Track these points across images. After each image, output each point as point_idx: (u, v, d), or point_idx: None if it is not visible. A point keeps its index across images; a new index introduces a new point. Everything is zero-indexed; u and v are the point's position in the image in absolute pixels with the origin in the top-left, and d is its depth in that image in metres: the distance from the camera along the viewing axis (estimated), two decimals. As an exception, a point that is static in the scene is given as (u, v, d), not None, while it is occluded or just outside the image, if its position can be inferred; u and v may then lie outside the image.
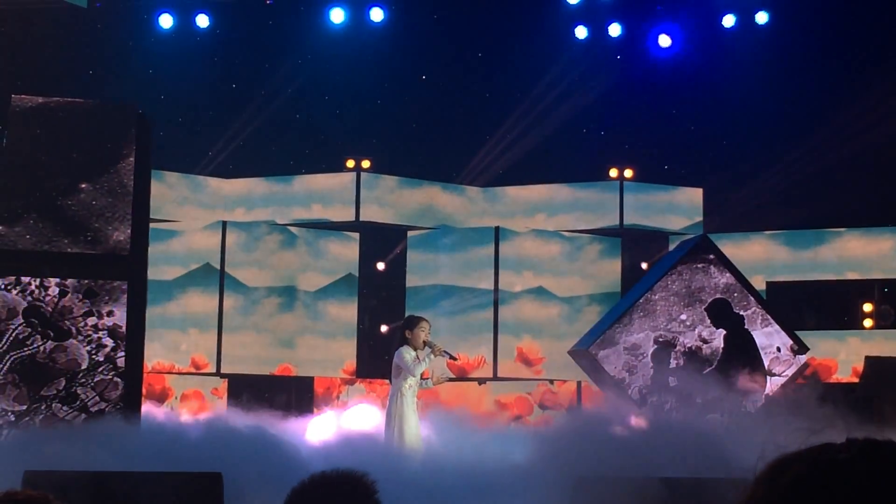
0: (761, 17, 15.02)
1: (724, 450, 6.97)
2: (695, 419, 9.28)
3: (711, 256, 10.78)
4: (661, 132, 15.09)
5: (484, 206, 15.28)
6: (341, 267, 14.85)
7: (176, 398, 13.90)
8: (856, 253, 14.65)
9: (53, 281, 8.54)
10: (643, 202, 15.08)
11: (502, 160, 15.29)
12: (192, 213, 14.70)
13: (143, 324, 8.96)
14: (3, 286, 8.49)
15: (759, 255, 14.65)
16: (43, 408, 8.41)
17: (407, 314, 11.80)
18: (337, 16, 15.14)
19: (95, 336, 8.51)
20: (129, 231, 8.78)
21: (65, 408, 8.42)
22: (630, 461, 7.01)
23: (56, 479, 6.06)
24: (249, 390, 13.24)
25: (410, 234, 15.06)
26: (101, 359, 8.50)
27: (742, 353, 10.28)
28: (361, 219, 14.87)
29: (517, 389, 14.42)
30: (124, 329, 8.57)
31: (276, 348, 14.42)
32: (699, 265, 10.71)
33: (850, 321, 14.81)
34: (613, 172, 15.17)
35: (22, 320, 8.47)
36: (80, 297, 8.55)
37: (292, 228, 14.79)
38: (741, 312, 10.55)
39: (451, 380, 12.07)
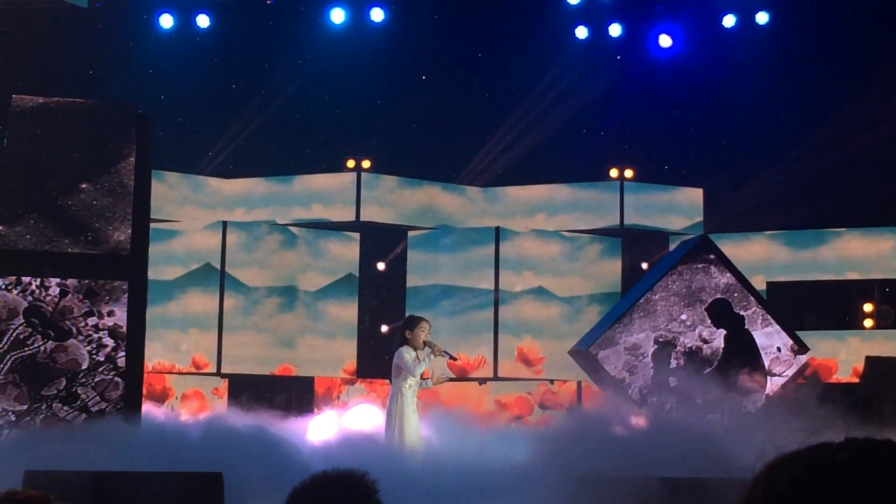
0: (761, 18, 15.03)
1: (724, 450, 6.97)
2: (695, 419, 9.28)
3: (712, 256, 10.78)
4: (662, 132, 15.09)
5: (484, 206, 15.28)
6: (342, 267, 14.85)
7: (176, 398, 13.90)
8: (856, 253, 14.65)
9: (54, 281, 8.54)
10: (643, 202, 15.09)
11: (502, 160, 15.30)
12: (193, 213, 14.70)
13: (144, 324, 8.97)
14: (3, 286, 8.49)
15: (760, 256, 14.65)
16: (43, 408, 8.41)
17: (407, 314, 11.80)
18: (337, 16, 15.14)
19: (96, 336, 8.52)
20: (129, 231, 8.79)
21: (65, 408, 8.42)
22: (630, 461, 7.01)
23: (56, 479, 6.07)
24: (249, 390, 13.24)
25: (411, 234, 15.06)
26: (102, 359, 8.50)
27: (742, 354, 10.29)
28: (362, 219, 14.87)
29: (517, 389, 14.42)
30: (125, 329, 8.58)
31: (277, 348, 14.42)
32: (699, 265, 10.71)
33: (851, 321, 14.81)
34: (614, 172, 15.17)
35: (22, 320, 8.47)
36: (81, 297, 8.55)
37: (293, 228, 14.79)
38: (741, 312, 10.55)
39: (451, 380, 12.08)
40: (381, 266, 15.33)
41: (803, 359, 10.76)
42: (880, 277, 14.68)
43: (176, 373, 14.04)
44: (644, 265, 14.90)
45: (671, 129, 15.09)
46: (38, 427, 8.29)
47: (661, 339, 10.52)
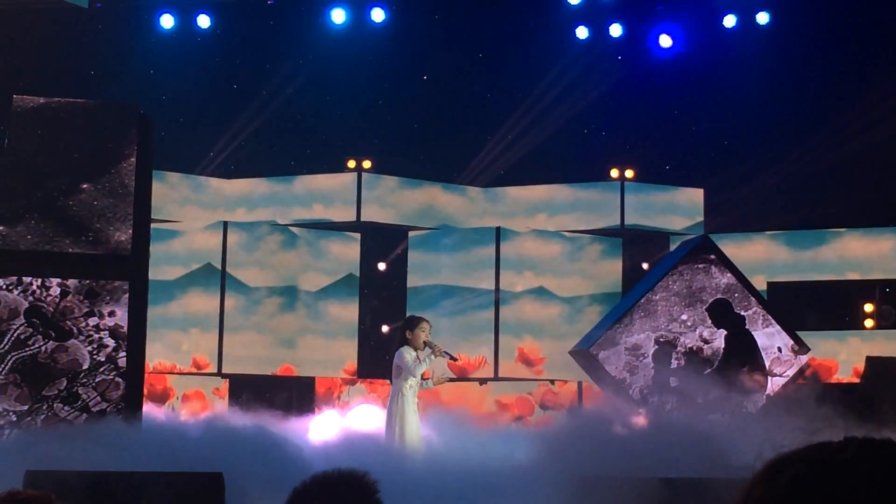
0: (762, 18, 15.03)
1: (725, 450, 6.97)
2: (696, 419, 9.27)
3: (712, 256, 10.78)
4: (662, 132, 15.09)
5: (485, 206, 15.28)
6: (342, 267, 14.86)
7: (177, 398, 13.91)
8: (856, 253, 14.65)
9: (55, 281, 8.54)
10: (644, 202, 15.09)
11: (503, 160, 15.30)
12: (194, 213, 14.70)
13: (145, 324, 8.97)
14: (4, 286, 8.50)
15: (760, 256, 14.65)
16: (44, 408, 8.42)
17: (408, 314, 11.80)
18: (338, 16, 15.14)
19: (97, 336, 8.52)
20: (130, 231, 8.79)
21: (66, 408, 8.42)
22: (631, 462, 7.01)
23: (57, 479, 6.07)
24: (250, 390, 13.24)
25: (411, 234, 15.07)
26: (103, 359, 8.50)
27: (743, 354, 10.28)
28: (362, 219, 14.87)
29: (518, 390, 14.42)
30: (126, 329, 8.58)
31: (278, 348, 14.43)
32: (700, 265, 10.71)
33: (851, 321, 14.81)
34: (614, 173, 15.17)
35: (23, 320, 8.48)
36: (82, 297, 8.55)
37: (293, 229, 14.80)
38: (742, 313, 10.55)
39: (451, 380, 12.08)
40: (381, 266, 15.34)
41: (804, 359, 10.76)
42: (881, 277, 14.68)
43: (177, 373, 14.05)
44: (645, 265, 14.90)
45: (672, 130, 15.09)
46: (39, 427, 8.29)
47: (661, 340, 10.52)
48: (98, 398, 8.46)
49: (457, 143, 15.32)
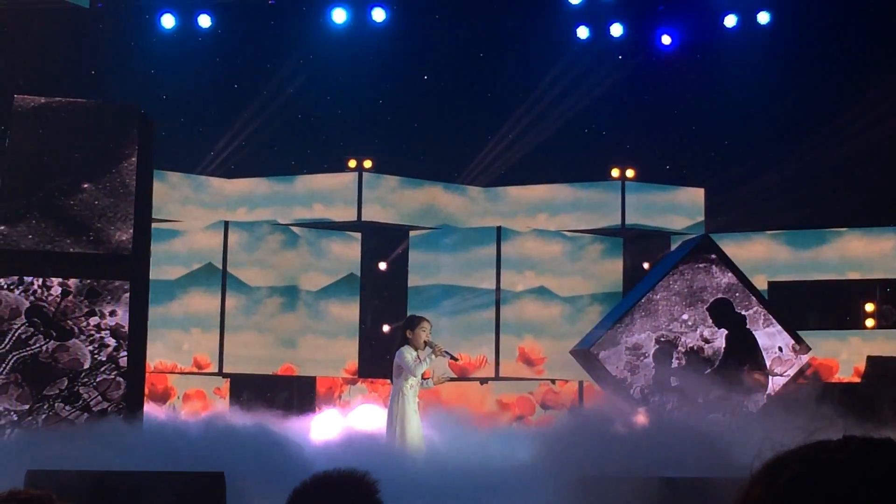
0: (763, 18, 15.03)
1: (725, 450, 6.97)
2: (696, 419, 9.28)
3: (713, 256, 10.78)
4: (663, 132, 15.09)
5: (486, 205, 15.28)
6: (343, 267, 14.86)
7: (178, 398, 13.91)
8: (857, 253, 14.65)
9: (56, 281, 8.55)
10: (645, 202, 15.09)
11: (504, 160, 15.30)
12: (195, 212, 14.70)
13: (146, 323, 8.97)
14: (5, 286, 8.50)
15: (761, 255, 14.65)
16: (45, 407, 8.42)
17: (408, 314, 11.80)
18: (339, 16, 15.14)
19: (98, 336, 8.52)
20: (131, 231, 8.79)
21: (67, 407, 8.43)
22: (632, 461, 7.01)
23: (59, 479, 6.07)
24: (251, 390, 13.25)
25: (412, 233, 15.07)
26: (104, 358, 8.50)
27: (744, 353, 10.28)
28: (363, 219, 14.88)
29: (519, 389, 14.42)
30: (126, 329, 8.58)
31: (278, 348, 14.43)
32: (701, 265, 10.71)
33: (852, 321, 14.81)
34: (615, 172, 15.17)
35: (24, 320, 8.48)
36: (83, 296, 8.56)
37: (294, 228, 14.80)
38: (743, 312, 10.55)
39: (452, 379, 12.08)
40: (382, 266, 15.34)
41: (805, 358, 10.76)
42: (881, 277, 14.68)
43: (178, 372, 14.05)
44: (645, 265, 14.90)
45: (672, 129, 15.09)
46: (40, 427, 8.30)
47: (662, 339, 10.52)
48: (99, 398, 8.47)
49: (457, 143, 15.32)
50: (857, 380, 12.43)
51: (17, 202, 8.77)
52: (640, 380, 10.47)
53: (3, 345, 8.42)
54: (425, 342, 9.48)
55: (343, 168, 15.08)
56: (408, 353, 9.45)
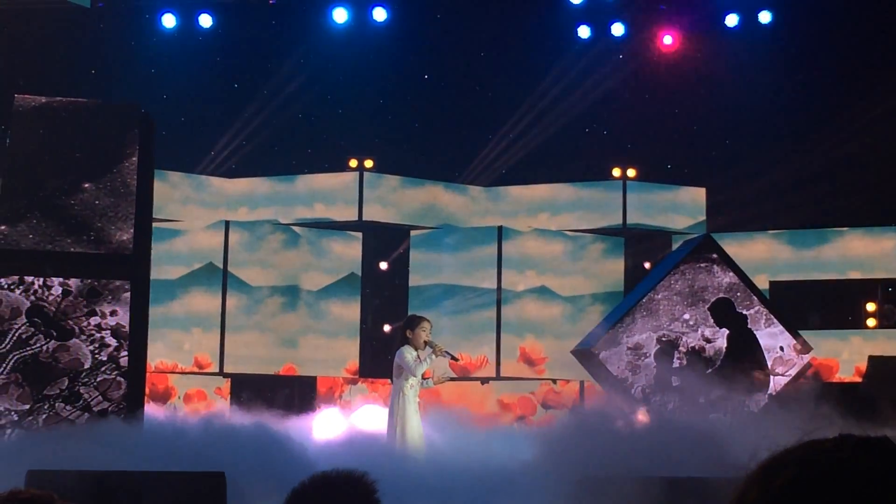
0: (764, 17, 15.02)
1: (727, 450, 6.96)
2: (698, 419, 9.27)
3: (714, 256, 10.77)
4: (664, 131, 15.08)
5: (487, 205, 15.28)
6: (344, 266, 14.85)
7: (179, 398, 13.91)
8: (858, 252, 14.64)
9: (56, 280, 8.54)
10: (646, 201, 15.08)
11: (505, 159, 15.29)
12: (195, 212, 14.70)
13: (146, 323, 8.97)
14: (6, 286, 8.50)
15: (762, 255, 14.64)
16: (46, 407, 8.42)
17: (409, 314, 11.80)
18: (340, 15, 15.14)
19: (98, 335, 8.52)
20: (132, 230, 8.79)
21: (68, 407, 8.42)
22: (633, 461, 7.00)
23: (59, 479, 6.07)
24: (251, 389, 13.25)
25: (413, 233, 15.06)
26: (104, 358, 8.50)
27: (745, 353, 10.27)
28: (364, 218, 14.87)
29: (520, 389, 14.41)
30: (127, 328, 8.58)
31: (279, 348, 14.43)
32: (702, 264, 10.70)
33: (853, 321, 14.80)
34: (616, 172, 15.17)
35: (25, 320, 8.48)
36: (83, 296, 8.55)
37: (295, 228, 14.80)
38: (744, 312, 10.54)
39: (453, 379, 12.08)
40: (383, 265, 15.34)
41: (806, 358, 10.75)
42: (883, 277, 14.67)
43: (178, 372, 14.05)
44: (647, 264, 14.90)
45: (674, 129, 15.09)
46: (41, 427, 8.30)
47: (663, 339, 10.51)
48: (100, 398, 8.47)
49: (458, 143, 15.32)
50: (858, 380, 12.42)
51: (18, 202, 8.77)
52: (642, 379, 10.46)
53: (3, 345, 8.42)
54: (425, 342, 9.48)
55: (344, 168, 15.08)
56: (408, 353, 9.44)
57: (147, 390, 10.80)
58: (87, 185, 8.84)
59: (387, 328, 14.97)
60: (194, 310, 14.21)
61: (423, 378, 9.59)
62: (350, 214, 14.87)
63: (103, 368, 8.49)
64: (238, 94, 15.16)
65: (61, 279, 8.55)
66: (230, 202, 14.99)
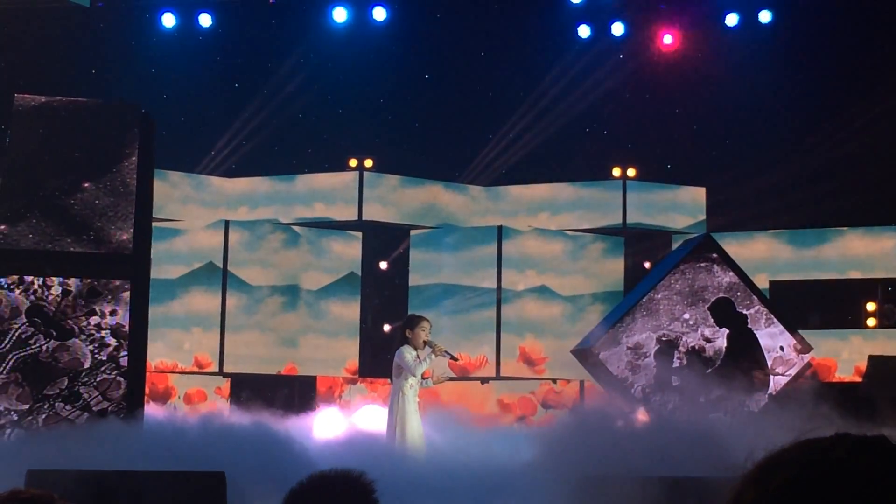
0: (764, 16, 15.01)
1: (727, 449, 6.96)
2: (698, 418, 9.26)
3: (714, 255, 10.77)
4: (664, 131, 15.08)
5: (487, 204, 15.28)
6: (344, 266, 14.85)
7: (179, 397, 13.91)
8: (858, 252, 14.64)
9: (56, 280, 8.54)
10: (646, 201, 15.08)
11: (505, 159, 15.29)
12: (195, 211, 14.70)
13: (146, 323, 8.97)
14: (6, 285, 8.50)
15: (763, 254, 14.64)
16: (46, 407, 8.42)
17: (409, 313, 11.79)
18: (339, 15, 15.14)
19: (98, 335, 8.52)
20: (131, 230, 8.78)
21: (68, 407, 8.42)
22: (633, 461, 7.00)
23: (59, 479, 6.06)
24: (251, 389, 13.24)
25: (413, 233, 15.06)
26: (104, 358, 8.50)
27: (745, 353, 10.26)
28: (364, 218, 14.87)
29: (520, 389, 14.41)
30: (127, 328, 8.57)
31: (279, 347, 14.42)
32: (702, 264, 10.70)
33: (853, 320, 14.80)
34: (616, 171, 15.17)
35: (25, 319, 8.47)
36: (83, 296, 8.55)
37: (295, 227, 14.80)
38: (744, 311, 10.53)
39: (452, 379, 12.07)
40: (383, 265, 15.34)
41: (806, 358, 10.75)
42: (883, 276, 14.67)
43: (178, 372, 14.05)
44: (647, 264, 14.90)
45: (674, 128, 15.09)
46: (41, 426, 8.30)
47: (663, 339, 10.50)
48: (99, 397, 8.46)
49: (458, 142, 15.32)
50: (858, 379, 12.41)
51: (18, 201, 8.77)
52: (642, 379, 10.45)
53: (3, 344, 8.42)
54: (425, 342, 9.48)
55: (344, 167, 15.08)
56: (407, 353, 9.44)
57: (147, 390, 10.80)
58: (87, 185, 8.84)
59: (387, 328, 14.97)
60: (194, 309, 14.21)
61: (423, 378, 9.59)
62: (350, 214, 14.87)
63: (103, 368, 8.49)
64: (238, 93, 15.16)
65: (61, 279, 8.55)
66: (230, 202, 14.99)
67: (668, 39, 15.25)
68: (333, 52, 15.05)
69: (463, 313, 14.57)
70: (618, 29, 15.20)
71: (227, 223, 14.45)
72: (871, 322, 14.68)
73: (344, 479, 2.51)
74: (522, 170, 15.18)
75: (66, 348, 8.49)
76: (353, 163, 15.04)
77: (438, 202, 15.14)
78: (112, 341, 8.52)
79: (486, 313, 14.52)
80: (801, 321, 12.15)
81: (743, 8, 15.09)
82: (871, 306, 14.72)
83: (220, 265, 14.30)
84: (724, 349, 10.40)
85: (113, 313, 8.55)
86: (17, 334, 8.45)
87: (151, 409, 10.62)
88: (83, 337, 8.49)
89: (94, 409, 8.42)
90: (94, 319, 8.53)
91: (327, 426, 11.32)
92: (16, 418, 8.37)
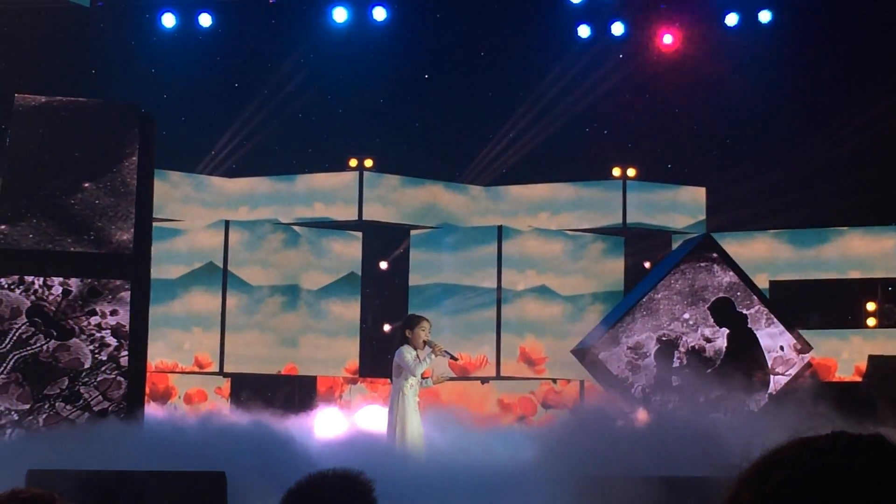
0: (764, 16, 15.01)
1: (727, 449, 6.96)
2: (698, 418, 9.26)
3: (714, 255, 10.77)
4: (664, 131, 15.08)
5: (487, 204, 15.28)
6: (344, 266, 14.85)
7: (179, 397, 13.91)
8: (858, 252, 14.64)
9: (57, 280, 8.54)
10: (646, 201, 15.08)
11: (505, 159, 15.29)
12: (196, 211, 14.70)
13: (147, 323, 8.97)
14: (6, 285, 8.50)
15: (763, 254, 14.64)
16: (46, 407, 8.42)
17: (409, 313, 11.79)
18: (340, 15, 15.14)
19: (98, 335, 8.52)
20: (132, 230, 8.79)
21: (68, 407, 8.43)
22: (633, 460, 7.00)
23: (60, 478, 6.07)
24: (252, 389, 13.25)
25: (413, 232, 15.06)
26: (105, 358, 8.50)
27: (745, 352, 10.27)
28: (364, 218, 14.87)
29: (520, 389, 14.41)
30: (127, 328, 8.58)
31: (279, 347, 14.43)
32: (702, 264, 10.70)
33: (853, 320, 14.80)
34: (616, 171, 15.17)
35: (25, 319, 8.48)
36: (84, 296, 8.55)
37: (295, 227, 14.80)
38: (744, 311, 10.53)
39: (452, 379, 12.07)
40: (383, 265, 15.34)
41: (807, 358, 10.75)
42: (883, 276, 14.67)
43: (179, 372, 14.05)
44: (647, 264, 14.89)
45: (674, 128, 15.08)
46: (41, 426, 8.30)
47: (663, 339, 10.51)
48: (100, 397, 8.47)
49: (459, 142, 15.32)
50: (858, 379, 12.42)
51: (18, 201, 8.77)
52: (642, 379, 10.45)
53: (3, 344, 8.42)
54: (424, 341, 9.48)
55: (344, 167, 15.08)
56: (407, 353, 9.44)
57: (147, 390, 10.80)
58: (87, 185, 8.84)
59: (387, 328, 14.97)
60: (194, 309, 14.21)
61: (423, 378, 9.59)
62: (350, 214, 14.87)
63: (103, 368, 8.49)
64: (238, 93, 15.15)
65: (61, 279, 8.55)
66: (230, 202, 14.99)
67: (668, 39, 15.25)
68: (333, 52, 15.05)
69: (463, 313, 14.57)
70: (618, 29, 15.20)
71: (227, 223, 14.45)
72: (871, 322, 14.68)
73: (342, 479, 2.51)
74: (522, 170, 15.18)
75: (66, 348, 8.49)
76: (353, 163, 15.04)
77: (438, 202, 15.14)
78: (112, 341, 8.52)
79: (486, 313, 14.52)
80: (801, 321, 12.15)
81: (743, 8, 15.09)
82: (871, 306, 14.72)
83: (221, 265, 14.30)
84: (724, 349, 10.40)
85: (113, 313, 8.55)
86: (17, 334, 8.45)
87: (152, 409, 10.62)
88: (83, 337, 8.50)
89: (94, 408, 8.42)
90: (95, 319, 8.53)
91: (328, 426, 11.32)
92: (16, 418, 8.38)
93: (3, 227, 8.65)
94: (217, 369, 14.13)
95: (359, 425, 11.34)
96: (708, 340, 10.52)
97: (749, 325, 10.47)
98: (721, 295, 10.58)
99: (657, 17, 15.28)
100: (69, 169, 8.87)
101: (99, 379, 8.48)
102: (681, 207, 15.11)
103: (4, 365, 8.40)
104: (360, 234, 14.98)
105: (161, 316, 13.18)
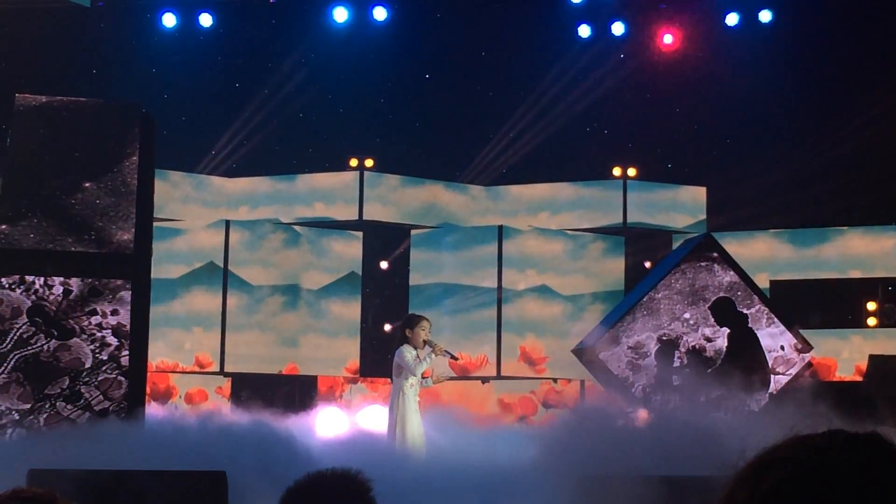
0: (764, 16, 15.01)
1: (727, 449, 6.96)
2: (698, 418, 9.27)
3: (715, 255, 10.77)
4: (665, 130, 15.08)
5: (487, 204, 15.28)
6: (344, 265, 14.86)
7: (180, 397, 13.92)
8: (859, 251, 14.64)
9: (57, 280, 8.55)
10: (647, 200, 15.08)
11: (505, 158, 15.30)
12: (196, 211, 14.71)
13: (147, 322, 8.97)
14: (7, 285, 8.50)
15: (763, 254, 14.64)
16: (47, 406, 8.42)
17: (409, 313, 11.80)
18: (340, 15, 15.14)
19: (99, 335, 8.53)
20: (132, 230, 8.79)
21: (69, 406, 8.43)
22: (634, 460, 7.00)
23: (60, 478, 6.07)
24: (252, 389, 13.25)
25: (413, 232, 15.07)
26: (105, 357, 8.51)
27: (746, 352, 10.27)
28: (364, 217, 14.88)
29: (521, 388, 14.41)
30: (128, 328, 8.58)
31: (280, 347, 14.43)
32: (703, 263, 10.70)
33: (854, 320, 14.80)
34: (617, 171, 15.17)
35: (26, 319, 8.48)
36: (84, 296, 8.56)
37: (296, 227, 14.81)
38: (745, 311, 10.54)
39: (453, 378, 12.07)
40: (383, 265, 15.34)
41: (807, 357, 10.75)
42: (883, 276, 14.67)
43: (179, 371, 14.05)
44: (647, 264, 14.90)
45: (674, 128, 15.09)
46: (42, 426, 8.31)
47: (664, 338, 10.51)
48: (100, 397, 8.47)
49: (459, 142, 15.32)
50: (859, 379, 12.42)
51: (19, 201, 8.77)
52: (642, 379, 10.46)
53: (4, 344, 8.42)
54: (425, 341, 9.48)
55: (344, 167, 15.08)
56: (407, 353, 9.44)
57: (148, 390, 10.80)
58: (87, 185, 8.84)
59: (387, 327, 14.98)
60: (195, 309, 14.22)
61: (423, 377, 9.59)
62: (350, 213, 14.88)
63: (104, 368, 8.50)
64: (238, 93, 15.16)
65: (62, 278, 8.56)
66: (231, 201, 14.99)
67: (668, 39, 15.25)
68: (333, 52, 15.05)
69: (463, 313, 14.57)
70: (618, 29, 15.20)
71: (227, 223, 14.46)
72: (871, 321, 14.68)
73: (341, 478, 2.51)
74: (522, 169, 15.19)
75: (67, 348, 8.49)
76: (353, 162, 15.04)
77: (439, 202, 15.14)
78: (113, 341, 8.53)
79: (486, 313, 14.52)
80: (801, 321, 12.15)
81: (743, 7, 15.09)
82: (871, 306, 14.72)
83: (221, 265, 14.31)
84: (724, 349, 10.40)
85: (114, 313, 8.56)
86: (18, 334, 8.46)
87: (152, 409, 10.63)
88: (84, 336, 8.50)
89: (95, 408, 8.43)
90: (96, 319, 8.54)
91: (328, 426, 11.32)
92: (17, 418, 8.38)
93: (3, 226, 8.65)
94: (218, 369, 14.13)
95: (359, 425, 11.34)
96: (708, 340, 10.52)
97: (749, 325, 10.47)
98: (721, 294, 10.58)
99: (657, 17, 15.28)
100: (69, 169, 8.88)
101: (100, 379, 8.48)
102: (681, 207, 15.11)
103: (5, 364, 8.41)
104: (360, 234, 14.99)
105: (162, 316, 13.18)
